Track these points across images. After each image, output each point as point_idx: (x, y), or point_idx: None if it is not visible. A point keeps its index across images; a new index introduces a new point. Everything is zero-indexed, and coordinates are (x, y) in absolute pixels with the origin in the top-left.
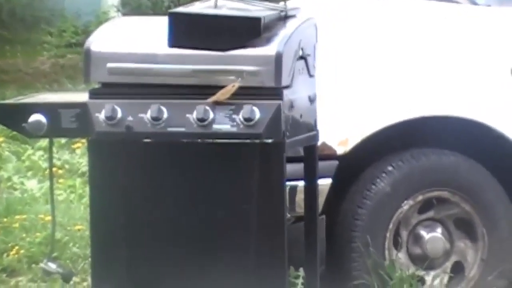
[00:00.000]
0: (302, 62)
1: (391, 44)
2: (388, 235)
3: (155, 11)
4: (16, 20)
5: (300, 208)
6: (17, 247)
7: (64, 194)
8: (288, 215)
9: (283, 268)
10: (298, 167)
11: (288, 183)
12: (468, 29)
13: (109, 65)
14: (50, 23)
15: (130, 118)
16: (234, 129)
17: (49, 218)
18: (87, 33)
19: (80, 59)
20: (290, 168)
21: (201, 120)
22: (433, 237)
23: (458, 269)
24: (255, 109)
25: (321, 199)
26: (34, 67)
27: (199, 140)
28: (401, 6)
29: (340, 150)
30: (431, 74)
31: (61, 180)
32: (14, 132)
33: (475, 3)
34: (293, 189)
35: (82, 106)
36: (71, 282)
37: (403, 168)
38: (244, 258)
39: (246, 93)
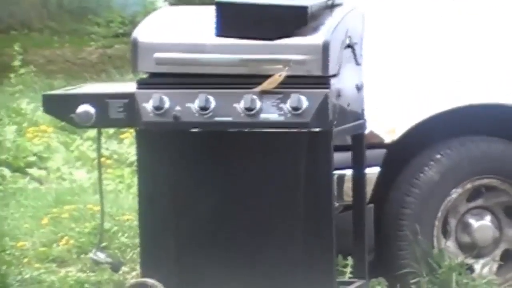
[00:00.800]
0: (349, 50)
1: (438, 35)
2: (436, 223)
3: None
4: (63, 11)
5: (348, 197)
6: (66, 237)
7: (113, 184)
8: (336, 204)
9: (331, 257)
10: (346, 156)
11: (336, 171)
12: (505, 18)
13: (157, 55)
14: (97, 14)
15: (177, 108)
16: (282, 118)
17: (98, 208)
18: (134, 23)
19: (127, 49)
20: (338, 156)
21: (248, 109)
22: (482, 225)
23: (507, 257)
24: (303, 98)
25: (369, 188)
26: (82, 58)
27: (247, 129)
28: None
29: (388, 138)
30: (478, 62)
31: (109, 170)
32: (63, 123)
33: None
34: (341, 177)
35: (130, 96)
36: (120, 272)
37: (451, 156)
38: (292, 247)
39: (293, 82)
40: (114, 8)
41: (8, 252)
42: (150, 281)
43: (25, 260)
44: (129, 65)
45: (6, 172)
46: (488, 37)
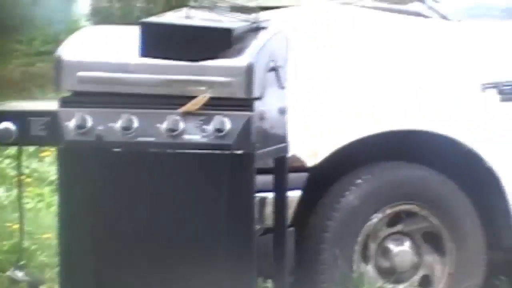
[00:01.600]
0: (273, 73)
1: (361, 58)
2: (356, 248)
3: (126, 20)
4: None
5: (269, 220)
6: None
7: (32, 202)
8: (257, 227)
9: (252, 279)
10: (268, 179)
11: (257, 194)
12: (438, 44)
13: (80, 73)
14: (19, 31)
15: (100, 127)
16: (205, 140)
17: (16, 226)
18: (57, 41)
19: (50, 67)
20: (260, 179)
21: (171, 130)
22: (402, 250)
23: (426, 283)
24: (226, 120)
25: (290, 211)
26: (3, 75)
27: (169, 150)
28: (372, 19)
29: (310, 162)
30: (400, 88)
31: (29, 189)
32: None
33: (446, 18)
34: (263, 200)
35: (51, 114)
36: None
37: (372, 181)
38: (213, 268)
39: (217, 104)
40: (37, 26)
41: None
42: None
43: None
44: (51, 83)
45: None
46: (411, 63)
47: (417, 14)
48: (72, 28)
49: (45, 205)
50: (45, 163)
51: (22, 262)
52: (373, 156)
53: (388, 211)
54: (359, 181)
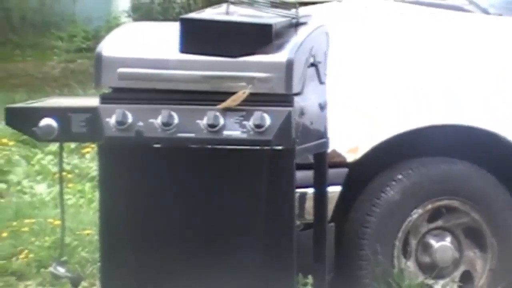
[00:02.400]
0: (313, 69)
1: (403, 53)
2: (397, 243)
3: (165, 16)
4: (26, 25)
5: (309, 215)
6: (26, 251)
7: (74, 198)
8: (297, 222)
9: (291, 275)
10: (308, 174)
11: (297, 190)
12: (479, 39)
13: (120, 70)
14: (60, 28)
15: (140, 123)
16: (244, 136)
17: (58, 222)
18: (97, 38)
19: (90, 64)
20: (300, 175)
21: (211, 126)
22: (442, 246)
23: (467, 278)
24: (266, 115)
25: (330, 207)
26: (44, 72)
27: (209, 146)
28: (413, 16)
29: (350, 157)
30: (441, 83)
31: (70, 185)
32: (25, 136)
33: (487, 13)
34: (303, 196)
35: (92, 110)
36: (80, 287)
37: (412, 176)
38: (252, 264)
39: (257, 99)
40: (78, 22)
41: None
42: None
43: None
44: (91, 80)
45: None
46: (452, 58)
47: (458, 9)
48: (112, 24)
49: (86, 201)
50: (86, 159)
51: (63, 258)
52: (414, 151)
53: (429, 206)
54: (399, 176)
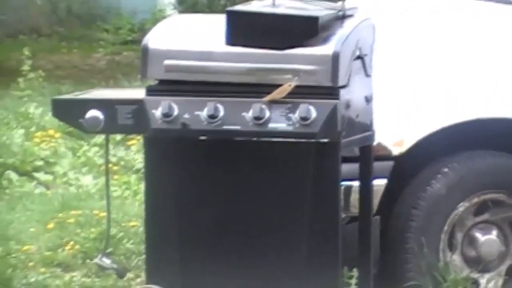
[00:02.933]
0: (359, 62)
1: (449, 46)
2: (442, 236)
3: (211, 9)
4: (73, 17)
5: (354, 208)
6: (72, 243)
7: (119, 190)
8: (343, 215)
9: (336, 268)
10: (353, 167)
11: (343, 183)
12: None
13: (167, 62)
14: (106, 20)
15: (186, 116)
16: (290, 128)
17: (103, 214)
18: (143, 30)
19: (135, 56)
20: (345, 168)
21: (257, 118)
22: (488, 239)
23: None
24: (312, 108)
25: (376, 200)
26: (90, 64)
27: (255, 138)
28: (460, 7)
29: (396, 151)
30: (488, 76)
31: (116, 177)
32: (71, 128)
33: None
34: (348, 189)
35: (138, 102)
36: (125, 278)
37: (458, 170)
38: (297, 257)
39: (303, 92)
40: (123, 15)
41: (13, 256)
42: (154, 287)
43: (30, 264)
44: (137, 72)
45: (13, 176)
46: (498, 51)
47: (506, 2)
48: (158, 17)
49: (132, 193)
50: (132, 151)
51: (109, 250)
52: (460, 144)
53: (475, 199)
54: (445, 169)
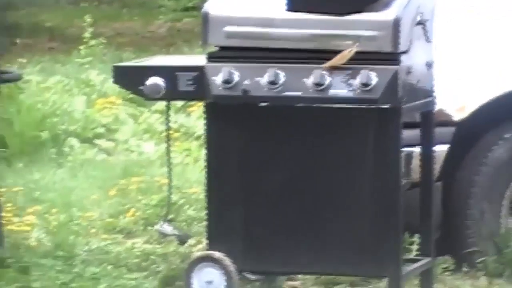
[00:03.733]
0: (420, 27)
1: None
2: (504, 202)
3: None
4: None
5: (416, 174)
6: (133, 209)
7: (180, 157)
8: (404, 181)
9: (398, 234)
10: (415, 133)
11: (404, 149)
12: None
13: (227, 28)
14: None
15: (247, 82)
16: (351, 94)
17: (165, 180)
18: None
19: (196, 23)
20: (407, 133)
21: (317, 84)
22: None
23: None
24: (372, 74)
25: (437, 166)
26: (151, 31)
27: (316, 105)
28: None
29: (457, 116)
30: None
31: (177, 143)
32: (131, 95)
33: None
34: (409, 155)
35: (199, 69)
36: (186, 245)
37: None
38: (359, 223)
39: (363, 58)
40: None
41: (75, 222)
42: (216, 254)
43: (92, 230)
44: (197, 39)
45: (75, 143)
46: None
47: None
48: None
49: (193, 160)
50: (193, 118)
51: (170, 216)
52: None
53: None
54: (507, 135)
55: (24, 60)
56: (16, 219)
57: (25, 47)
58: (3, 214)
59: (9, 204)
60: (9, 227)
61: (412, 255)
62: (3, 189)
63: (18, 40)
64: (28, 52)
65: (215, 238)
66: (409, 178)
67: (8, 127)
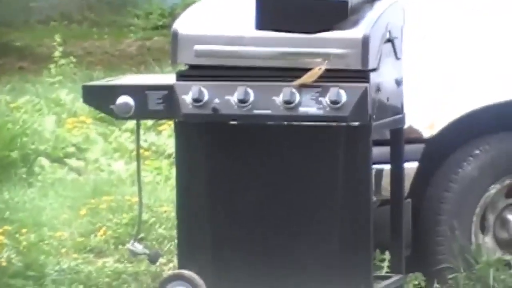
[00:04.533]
0: (389, 45)
1: (480, 27)
2: (474, 219)
3: None
4: (103, 3)
5: (386, 192)
6: (104, 228)
7: (151, 175)
8: (374, 198)
9: (368, 251)
10: (384, 150)
11: (374, 166)
12: None
13: (197, 47)
14: (136, 6)
15: (216, 100)
16: (321, 112)
17: (135, 199)
18: (173, 15)
19: (166, 41)
20: (376, 151)
21: (287, 102)
22: None
23: None
24: (342, 91)
25: (407, 183)
26: (121, 50)
27: (285, 122)
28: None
29: (427, 133)
30: None
31: (147, 162)
32: (102, 114)
33: None
34: (379, 172)
35: (169, 88)
36: (157, 263)
37: (490, 152)
38: (329, 241)
39: (333, 75)
40: (153, 0)
41: (46, 242)
42: (187, 272)
43: (63, 250)
44: (168, 57)
45: (45, 162)
46: None
47: None
48: (187, 2)
49: (163, 178)
50: (163, 137)
51: (141, 235)
52: (491, 127)
53: (507, 181)
54: (477, 151)
55: None
56: None
57: None
58: None
59: None
60: None
61: (383, 273)
62: None
63: None
64: None
65: (185, 257)
66: (380, 195)
67: None
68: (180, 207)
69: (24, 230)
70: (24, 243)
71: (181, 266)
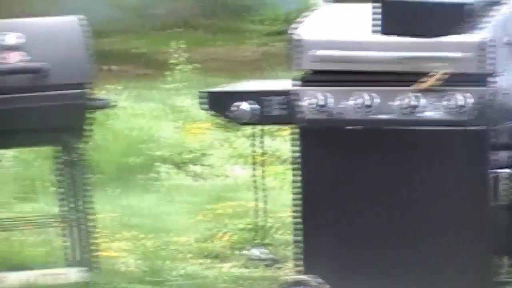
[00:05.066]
0: (509, 48)
1: None
2: None
3: None
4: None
5: (505, 196)
6: (223, 233)
7: (271, 180)
8: (493, 203)
9: (488, 257)
10: (503, 155)
11: (492, 170)
12: None
13: (319, 52)
14: (250, 12)
15: (338, 105)
16: (441, 116)
17: (254, 204)
18: (288, 21)
19: (281, 47)
20: (495, 155)
21: (408, 107)
22: None
23: None
24: (463, 96)
25: None
26: (239, 55)
27: (407, 127)
28: None
29: None
30: None
31: (268, 167)
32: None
33: None
34: (497, 177)
35: (288, 93)
36: (276, 269)
37: None
38: (448, 245)
39: (454, 79)
40: (269, 6)
41: (164, 247)
42: (311, 277)
43: (181, 255)
44: (284, 62)
45: (164, 168)
46: None
47: None
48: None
49: (282, 183)
50: (282, 142)
51: (259, 241)
52: None
53: None
54: None
55: (112, 87)
56: (108, 244)
57: (114, 74)
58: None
59: (103, 229)
60: (102, 252)
61: (500, 278)
62: (99, 215)
63: (106, 67)
64: (116, 79)
65: (306, 263)
66: (498, 200)
67: (101, 153)
68: (303, 211)
69: (145, 236)
70: (145, 248)
71: (304, 271)
